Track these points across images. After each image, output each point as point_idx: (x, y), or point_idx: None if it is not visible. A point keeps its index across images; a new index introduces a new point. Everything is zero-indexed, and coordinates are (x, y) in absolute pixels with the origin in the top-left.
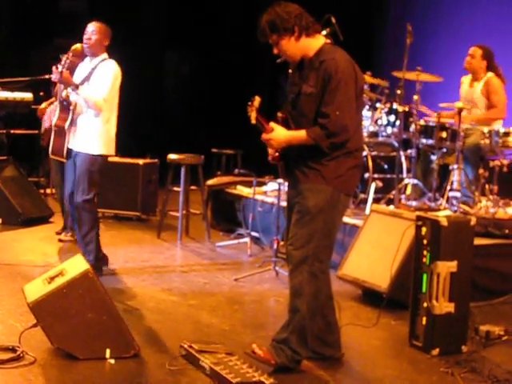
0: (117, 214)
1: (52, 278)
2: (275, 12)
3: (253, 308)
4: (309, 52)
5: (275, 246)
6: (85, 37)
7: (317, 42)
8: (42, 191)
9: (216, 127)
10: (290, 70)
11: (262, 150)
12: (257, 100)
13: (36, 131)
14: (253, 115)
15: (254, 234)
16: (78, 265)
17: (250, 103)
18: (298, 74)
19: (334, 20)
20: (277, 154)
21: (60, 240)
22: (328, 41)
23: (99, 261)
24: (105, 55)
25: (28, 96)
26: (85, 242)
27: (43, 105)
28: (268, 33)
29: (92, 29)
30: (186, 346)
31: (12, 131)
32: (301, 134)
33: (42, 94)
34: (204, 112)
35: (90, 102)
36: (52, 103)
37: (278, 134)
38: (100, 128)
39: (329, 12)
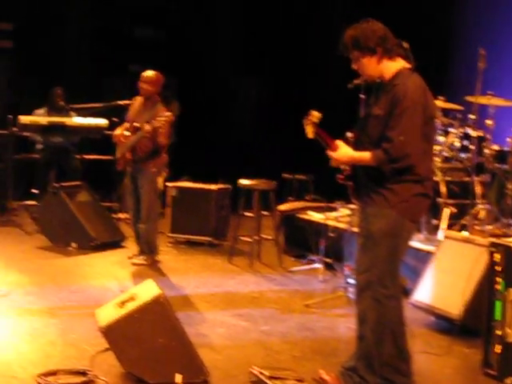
0: (189, 239)
1: (123, 303)
2: (361, 29)
3: (324, 334)
4: (386, 74)
5: (347, 272)
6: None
7: (396, 65)
8: (114, 216)
9: (288, 152)
10: (362, 95)
11: (334, 176)
12: (315, 115)
13: (109, 157)
14: (309, 129)
15: (325, 259)
16: (149, 290)
17: (306, 117)
18: (371, 96)
19: (406, 45)
20: (344, 174)
21: (133, 264)
22: (407, 65)
23: None
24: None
25: (102, 122)
26: None
27: (118, 130)
28: (350, 48)
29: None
30: (256, 371)
31: (86, 156)
32: (364, 156)
33: (115, 119)
34: (276, 137)
35: None
36: (126, 129)
37: (342, 152)
38: None
39: (402, 37)
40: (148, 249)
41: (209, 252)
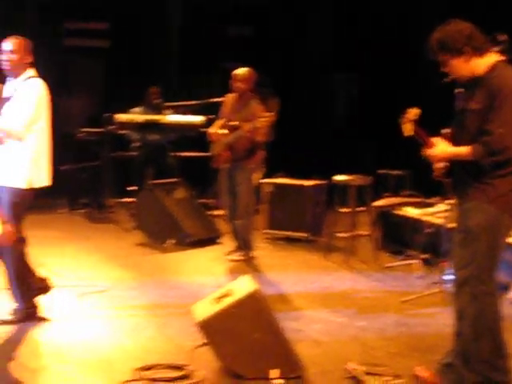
0: (285, 235)
1: (220, 298)
2: (446, 31)
3: (420, 331)
4: (478, 70)
5: (443, 268)
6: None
7: (487, 60)
8: (210, 213)
9: (384, 148)
10: (457, 90)
11: (430, 172)
12: (413, 112)
13: (205, 154)
14: (407, 128)
15: (422, 255)
16: (245, 285)
17: (403, 115)
18: (466, 91)
19: (503, 37)
20: (442, 170)
21: (230, 260)
22: (502, 58)
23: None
24: (28, 73)
25: (198, 119)
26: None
27: (213, 128)
28: (437, 52)
29: (9, 47)
30: (352, 367)
31: (182, 154)
32: (462, 151)
33: (211, 117)
34: (372, 133)
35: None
36: (221, 126)
37: (440, 149)
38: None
39: (498, 30)
40: (244, 245)
41: (305, 248)
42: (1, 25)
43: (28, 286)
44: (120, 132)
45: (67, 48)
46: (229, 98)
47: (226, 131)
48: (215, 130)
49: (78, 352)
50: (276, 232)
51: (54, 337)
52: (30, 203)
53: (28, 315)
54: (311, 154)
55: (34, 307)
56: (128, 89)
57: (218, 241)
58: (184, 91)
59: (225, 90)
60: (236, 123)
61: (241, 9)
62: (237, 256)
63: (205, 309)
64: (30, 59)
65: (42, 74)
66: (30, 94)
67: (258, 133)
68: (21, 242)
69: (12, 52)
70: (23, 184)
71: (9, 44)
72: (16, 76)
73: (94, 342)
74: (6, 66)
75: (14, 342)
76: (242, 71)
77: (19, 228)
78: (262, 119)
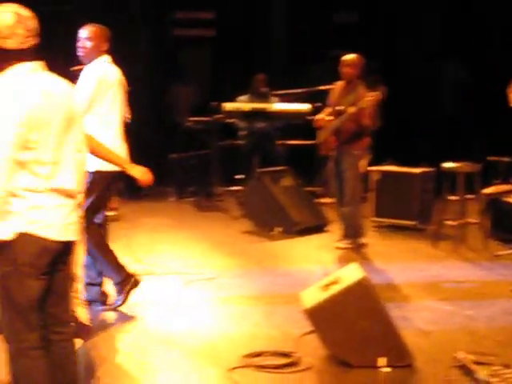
0: (393, 223)
1: (327, 286)
2: None
3: None
4: None
5: None
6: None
7: None
8: (318, 200)
9: (494, 135)
10: None
11: None
12: None
13: (312, 142)
14: None
15: None
16: (353, 273)
17: (510, 84)
18: None
19: None
20: None
21: (337, 248)
22: None
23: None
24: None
25: (305, 107)
26: None
27: (320, 116)
28: None
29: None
30: (461, 356)
31: (289, 142)
32: None
33: (318, 105)
34: (481, 119)
35: None
36: (328, 113)
37: None
38: None
39: None
40: (352, 232)
41: (413, 236)
42: (110, 17)
43: (116, 258)
44: (227, 121)
45: (176, 38)
46: (337, 86)
47: (331, 117)
48: (321, 117)
49: (185, 339)
50: (383, 220)
51: (161, 324)
52: (105, 187)
53: (132, 283)
54: (419, 142)
55: (131, 276)
56: (234, 77)
57: (325, 229)
58: (290, 79)
59: (331, 77)
60: (341, 108)
61: None
62: (344, 244)
63: (312, 296)
64: (105, 47)
65: (153, 64)
66: (86, 79)
67: (363, 115)
68: (99, 226)
69: (87, 39)
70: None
71: (84, 32)
72: (90, 62)
73: (201, 329)
74: (81, 52)
75: (120, 331)
76: (350, 57)
77: (98, 212)
78: (367, 99)
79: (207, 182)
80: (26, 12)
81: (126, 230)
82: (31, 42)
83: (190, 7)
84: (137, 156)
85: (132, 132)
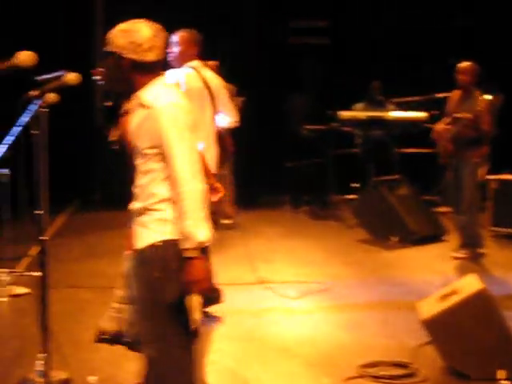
0: (511, 233)
1: (446, 296)
2: None
3: None
4: None
5: None
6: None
7: None
8: (435, 210)
9: None
10: None
11: None
12: None
13: (428, 150)
14: None
15: None
16: (471, 284)
17: None
18: None
19: None
20: None
21: (454, 257)
22: None
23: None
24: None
25: (421, 115)
26: None
27: (439, 125)
28: None
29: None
30: None
31: (405, 150)
32: None
33: (435, 112)
34: None
35: None
36: (447, 123)
37: None
38: None
39: None
40: (470, 241)
41: None
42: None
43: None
44: (343, 129)
45: (292, 46)
46: (454, 94)
47: (449, 126)
48: (441, 126)
49: (301, 347)
50: (501, 229)
51: (277, 333)
52: None
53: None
54: None
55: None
56: (352, 85)
57: (442, 238)
58: (410, 87)
59: (452, 85)
60: (459, 115)
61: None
62: (461, 254)
63: (430, 306)
64: (194, 51)
65: (269, 73)
66: None
67: (482, 121)
68: None
69: (176, 44)
70: None
71: (175, 37)
72: (179, 67)
73: (316, 338)
74: (170, 57)
75: (235, 339)
76: (464, 64)
77: None
78: (481, 102)
79: (322, 191)
80: (156, 24)
81: (242, 238)
82: (165, 54)
83: (305, 16)
84: (253, 164)
85: (248, 140)
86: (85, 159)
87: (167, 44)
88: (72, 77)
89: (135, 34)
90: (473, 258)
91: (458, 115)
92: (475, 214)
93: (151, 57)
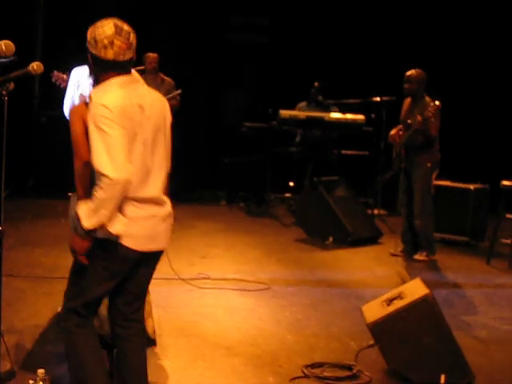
0: (444, 237)
1: (391, 300)
2: None
3: None
4: None
5: None
6: None
7: None
8: (371, 212)
9: None
10: None
11: None
12: None
13: (365, 152)
14: None
15: None
16: (416, 288)
17: None
18: None
19: None
20: None
21: (415, 259)
22: None
23: None
24: None
25: (360, 117)
26: None
27: (393, 131)
28: None
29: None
30: None
31: (344, 152)
32: None
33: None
34: None
35: None
36: (400, 129)
37: None
38: None
39: None
40: (427, 245)
41: (465, 252)
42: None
43: None
44: (283, 127)
45: (231, 42)
46: (406, 101)
47: (401, 132)
48: (394, 132)
49: (244, 346)
50: (436, 235)
51: (220, 329)
52: None
53: None
54: (478, 158)
55: None
56: (291, 84)
57: (379, 240)
58: (351, 89)
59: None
60: (409, 121)
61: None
62: (422, 256)
63: (375, 310)
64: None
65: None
66: None
67: (430, 126)
68: None
69: None
70: None
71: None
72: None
73: (258, 336)
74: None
75: (178, 337)
76: (410, 72)
77: None
78: (430, 108)
79: (259, 188)
80: (126, 26)
81: (178, 232)
82: (128, 55)
83: (245, 13)
84: (190, 159)
85: (186, 135)
86: (21, 145)
87: (131, 44)
88: (36, 66)
89: (97, 30)
90: (429, 262)
91: (409, 121)
92: (428, 218)
93: (109, 55)
